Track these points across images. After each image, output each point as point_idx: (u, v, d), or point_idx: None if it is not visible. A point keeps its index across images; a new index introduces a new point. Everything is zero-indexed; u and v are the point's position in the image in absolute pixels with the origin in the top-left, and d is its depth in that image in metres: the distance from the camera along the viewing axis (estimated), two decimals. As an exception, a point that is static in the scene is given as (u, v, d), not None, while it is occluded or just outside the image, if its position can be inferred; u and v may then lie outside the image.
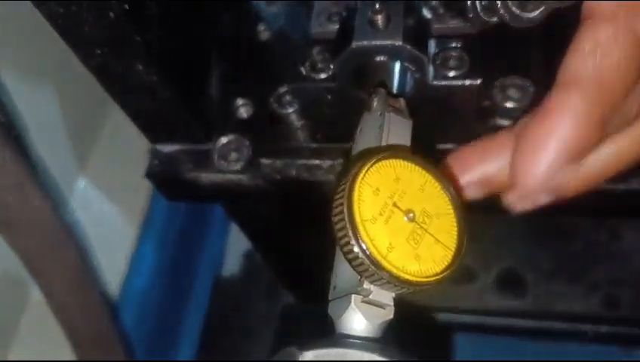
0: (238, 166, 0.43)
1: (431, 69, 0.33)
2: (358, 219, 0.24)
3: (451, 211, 0.27)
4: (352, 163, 0.26)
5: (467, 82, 0.32)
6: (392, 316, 0.26)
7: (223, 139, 0.43)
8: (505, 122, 0.38)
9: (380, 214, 0.25)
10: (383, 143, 0.28)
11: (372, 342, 0.24)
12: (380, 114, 0.30)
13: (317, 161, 0.41)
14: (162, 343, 0.77)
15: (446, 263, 0.25)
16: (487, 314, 0.62)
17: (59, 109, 0.61)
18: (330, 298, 0.27)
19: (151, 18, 0.35)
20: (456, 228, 0.26)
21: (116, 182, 0.73)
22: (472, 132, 0.38)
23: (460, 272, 0.60)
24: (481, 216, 0.34)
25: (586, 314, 0.60)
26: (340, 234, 0.24)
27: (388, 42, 0.30)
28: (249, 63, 0.47)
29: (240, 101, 0.45)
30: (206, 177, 0.44)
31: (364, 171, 0.25)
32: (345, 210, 0.24)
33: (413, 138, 0.34)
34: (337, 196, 0.25)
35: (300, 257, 0.61)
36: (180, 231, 0.83)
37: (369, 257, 0.24)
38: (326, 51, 0.35)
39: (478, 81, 0.32)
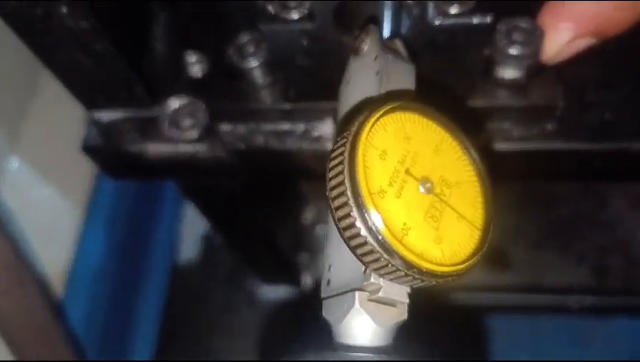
0: (193, 134, 0.36)
1: (431, 5, 0.26)
2: (365, 191, 0.18)
3: (474, 178, 0.21)
4: (345, 120, 0.20)
5: (475, 20, 0.26)
6: (405, 316, 0.20)
7: (174, 103, 0.36)
8: (509, 73, 0.32)
9: (390, 185, 0.19)
10: (383, 89, 0.22)
11: (380, 353, 0.19)
12: (375, 57, 0.23)
13: (288, 126, 0.35)
14: (116, 338, 0.69)
15: (473, 245, 0.20)
16: (472, 291, 0.57)
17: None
18: (323, 295, 0.21)
19: None
20: (481, 200, 0.21)
21: (54, 160, 0.65)
22: (472, 86, 0.32)
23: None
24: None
25: (575, 285, 0.56)
26: (340, 213, 0.18)
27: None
28: (202, 8, 0.39)
29: (192, 56, 0.38)
30: (154, 149, 0.37)
31: (367, 127, 0.19)
32: (346, 182, 0.18)
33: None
34: (334, 163, 0.19)
35: (267, 237, 0.55)
36: (129, 213, 0.75)
37: (381, 242, 0.17)
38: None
39: (488, 19, 0.26)
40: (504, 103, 0.33)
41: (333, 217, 0.18)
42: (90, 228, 0.70)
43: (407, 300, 0.20)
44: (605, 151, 0.33)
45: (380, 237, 0.17)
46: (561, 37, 0.30)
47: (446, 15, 0.26)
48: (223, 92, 0.36)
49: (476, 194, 0.21)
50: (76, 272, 0.67)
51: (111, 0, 0.32)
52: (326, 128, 0.33)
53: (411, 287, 0.19)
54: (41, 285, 0.56)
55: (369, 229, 0.17)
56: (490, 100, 0.33)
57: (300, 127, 0.34)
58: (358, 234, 0.18)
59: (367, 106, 0.20)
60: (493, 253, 0.52)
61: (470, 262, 0.19)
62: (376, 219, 0.17)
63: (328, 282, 0.21)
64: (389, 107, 0.19)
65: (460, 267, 0.19)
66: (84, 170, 0.67)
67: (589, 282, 0.56)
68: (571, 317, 0.60)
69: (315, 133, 0.34)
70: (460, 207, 0.20)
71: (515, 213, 0.58)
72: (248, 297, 0.64)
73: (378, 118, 0.19)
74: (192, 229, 0.73)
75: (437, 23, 0.26)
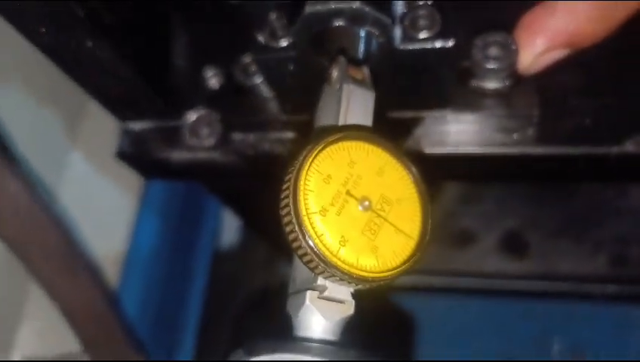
0: (210, 142, 0.40)
1: (398, 31, 0.29)
2: (303, 212, 0.22)
3: (415, 195, 0.24)
4: (303, 147, 0.24)
5: (438, 44, 0.29)
6: (352, 311, 0.24)
7: (193, 115, 0.41)
8: (488, 84, 0.34)
9: (332, 205, 0.23)
10: (341, 119, 0.26)
11: (327, 344, 0.23)
12: (339, 87, 0.27)
13: (290, 134, 0.39)
14: (166, 320, 0.77)
15: (407, 254, 0.23)
16: (489, 277, 0.60)
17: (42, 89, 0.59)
18: (289, 291, 0.25)
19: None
20: (420, 214, 0.24)
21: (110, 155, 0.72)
22: (450, 96, 0.35)
23: (459, 235, 0.58)
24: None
25: (592, 273, 0.57)
26: (287, 229, 0.22)
27: (344, 5, 0.27)
28: (217, 26, 0.44)
29: (210, 71, 0.42)
30: (177, 155, 0.42)
31: (311, 158, 0.23)
32: (290, 203, 0.22)
33: (386, 106, 0.32)
34: (284, 187, 0.23)
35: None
36: (179, 202, 0.82)
37: (317, 254, 0.21)
38: (285, 10, 0.32)
39: (450, 43, 0.29)
40: (484, 111, 0.35)
41: (284, 232, 0.22)
42: (144, 217, 0.77)
43: (350, 298, 0.23)
44: (584, 155, 0.35)
45: (316, 250, 0.21)
46: (534, 49, 0.32)
47: (413, 40, 0.29)
48: (235, 104, 0.40)
49: (415, 208, 0.24)
50: (131, 258, 0.74)
51: (131, 31, 0.37)
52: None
53: (353, 288, 0.23)
54: (95, 271, 0.63)
55: (307, 244, 0.21)
56: (469, 108, 0.35)
57: (300, 135, 0.38)
58: (300, 247, 0.22)
59: (319, 136, 0.24)
60: (509, 240, 0.54)
61: (401, 268, 0.23)
62: (314, 236, 0.21)
63: (293, 280, 0.25)
64: (332, 138, 0.23)
65: (392, 272, 0.23)
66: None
67: (606, 270, 0.57)
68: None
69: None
70: (398, 222, 0.23)
71: (533, 202, 0.60)
72: (282, 280, 0.69)
73: (322, 149, 0.23)
74: (232, 218, 0.79)
75: (402, 47, 0.29)
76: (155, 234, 0.78)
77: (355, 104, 0.26)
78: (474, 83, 0.35)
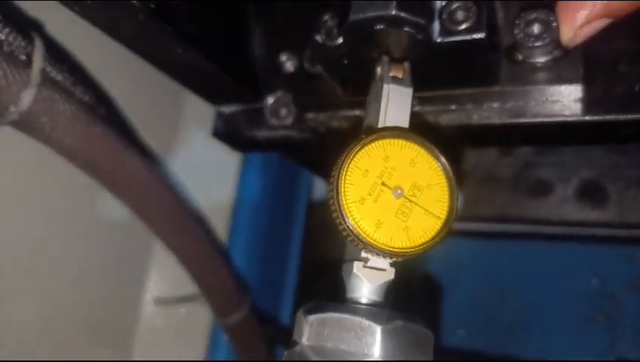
0: (287, 121, 0.46)
1: (437, 26, 0.33)
2: (344, 202, 0.27)
3: (443, 180, 0.29)
4: (349, 146, 0.29)
5: (470, 37, 0.32)
6: (392, 277, 0.29)
7: (272, 98, 0.47)
8: (535, 59, 0.37)
9: (370, 194, 0.28)
10: (381, 115, 0.30)
11: (372, 306, 0.28)
12: (381, 85, 0.31)
13: (356, 112, 0.43)
14: (272, 263, 0.86)
15: (435, 231, 0.28)
16: (566, 225, 0.61)
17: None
18: (344, 259, 0.31)
19: (179, 6, 0.38)
20: (447, 197, 0.28)
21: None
22: (501, 73, 0.38)
23: (536, 186, 0.60)
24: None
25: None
26: (333, 215, 0.28)
27: (381, 12, 0.31)
28: (289, 13, 0.49)
29: (284, 56, 0.47)
30: (261, 133, 0.48)
31: (351, 156, 0.28)
32: (334, 196, 0.27)
33: (431, 87, 0.36)
34: (330, 181, 0.28)
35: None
36: (278, 159, 0.89)
37: (356, 236, 0.27)
38: (339, 13, 0.36)
39: (482, 35, 0.32)
40: (535, 83, 0.37)
41: (333, 217, 0.28)
42: (247, 175, 0.85)
43: (390, 267, 0.29)
44: (633, 120, 0.36)
45: (355, 232, 0.27)
46: (574, 23, 0.34)
47: (450, 33, 0.32)
48: (307, 87, 0.46)
49: (443, 192, 0.28)
50: (238, 211, 0.84)
51: (212, 35, 0.43)
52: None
53: (390, 260, 0.29)
54: (205, 225, 0.73)
55: (348, 227, 0.27)
56: (521, 82, 0.38)
57: (360, 114, 0.43)
58: (343, 229, 0.27)
59: (360, 136, 0.29)
60: (587, 189, 0.56)
61: (431, 243, 0.28)
62: (352, 221, 0.27)
63: (347, 251, 0.31)
64: (370, 138, 0.28)
65: (422, 247, 0.28)
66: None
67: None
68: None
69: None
70: (427, 205, 0.28)
71: (615, 153, 0.60)
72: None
73: (362, 147, 0.28)
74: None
75: (441, 40, 0.33)
76: (257, 189, 0.86)
77: (394, 101, 0.30)
78: (521, 58, 0.37)
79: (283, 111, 0.47)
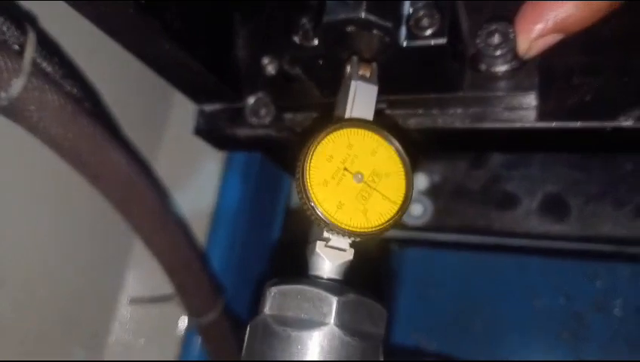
0: (266, 120, 0.49)
1: (403, 30, 0.36)
2: (309, 184, 0.29)
3: (401, 169, 0.31)
4: (315, 133, 0.31)
5: (432, 42, 0.35)
6: (351, 257, 0.32)
7: (252, 98, 0.49)
8: (495, 68, 0.40)
9: (333, 178, 0.30)
10: (348, 109, 0.33)
11: (330, 281, 0.31)
12: (350, 83, 0.34)
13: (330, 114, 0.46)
14: (248, 269, 0.88)
15: (390, 215, 0.30)
16: (530, 238, 0.64)
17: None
18: (308, 240, 0.34)
19: (169, 2, 0.41)
20: (404, 184, 0.31)
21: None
22: (464, 79, 0.41)
23: (503, 199, 0.63)
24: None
25: (630, 236, 0.60)
26: (299, 195, 0.30)
27: (352, 15, 0.34)
28: (272, 20, 0.51)
29: (266, 59, 0.50)
30: (241, 132, 0.51)
31: (317, 142, 0.30)
32: (300, 177, 0.30)
33: (400, 91, 0.38)
34: (298, 163, 0.30)
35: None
36: (258, 165, 0.92)
37: (319, 215, 0.29)
38: (315, 16, 0.38)
39: (443, 41, 0.35)
40: (493, 92, 0.40)
41: (299, 198, 0.30)
42: (228, 180, 0.87)
43: (349, 247, 0.31)
44: (582, 129, 0.39)
45: (318, 211, 0.29)
46: (529, 35, 0.37)
47: (415, 37, 0.35)
48: (285, 89, 0.48)
49: (400, 180, 0.31)
50: (217, 215, 0.85)
51: (199, 35, 0.45)
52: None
53: (350, 240, 0.31)
54: (185, 227, 0.75)
55: (311, 207, 0.29)
56: (481, 89, 0.41)
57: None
58: (307, 209, 0.30)
59: (327, 125, 0.31)
60: (552, 204, 0.59)
61: (386, 225, 0.30)
62: (316, 201, 0.29)
63: (310, 232, 0.33)
64: (336, 126, 0.31)
65: (378, 228, 0.30)
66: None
67: (646, 233, 0.60)
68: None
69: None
70: (385, 190, 0.31)
71: (577, 169, 0.63)
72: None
73: (327, 134, 0.30)
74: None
75: (407, 45, 0.35)
76: (237, 195, 0.88)
77: (360, 96, 0.33)
78: (483, 67, 0.40)
79: (262, 111, 0.49)
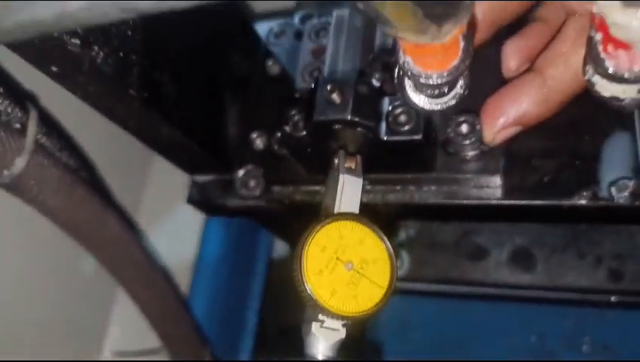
0: (256, 192, 0.53)
1: (383, 126, 0.40)
2: (306, 274, 0.34)
3: (386, 256, 0.36)
4: (311, 223, 0.35)
5: (409, 138, 0.40)
6: (343, 336, 0.36)
7: (242, 171, 0.53)
8: (464, 152, 0.45)
9: (326, 267, 0.34)
10: (337, 200, 0.37)
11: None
12: (337, 174, 0.38)
13: (316, 187, 0.50)
14: (230, 319, 0.90)
15: (379, 298, 0.35)
16: (500, 287, 0.69)
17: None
18: (304, 319, 0.37)
19: (169, 95, 0.45)
20: (389, 270, 0.35)
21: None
22: (436, 162, 0.46)
23: (474, 250, 0.68)
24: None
25: (593, 286, 0.66)
26: (296, 283, 0.34)
27: (340, 117, 0.38)
28: (260, 98, 0.56)
29: (255, 134, 0.55)
30: (231, 202, 0.55)
31: (312, 235, 0.34)
32: (298, 268, 0.34)
33: (380, 171, 0.43)
34: (295, 254, 0.34)
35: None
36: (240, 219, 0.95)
37: (315, 302, 0.33)
38: (304, 110, 0.43)
39: (419, 136, 0.40)
40: (463, 174, 0.46)
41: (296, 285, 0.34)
42: (209, 232, 0.91)
43: (342, 328, 0.35)
44: (542, 206, 0.44)
45: (314, 298, 0.33)
46: (493, 128, 0.42)
47: (394, 133, 0.40)
48: (274, 164, 0.52)
49: (385, 266, 0.35)
50: (199, 266, 0.88)
51: (194, 116, 0.49)
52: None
53: (342, 322, 0.35)
54: (170, 280, 0.77)
55: (308, 295, 0.33)
56: (452, 170, 0.46)
57: (319, 189, 0.50)
58: (305, 296, 0.34)
59: (319, 218, 0.35)
60: (519, 256, 0.64)
61: (375, 308, 0.34)
62: (312, 290, 0.33)
63: (306, 312, 0.37)
64: (327, 221, 0.35)
65: (367, 312, 0.34)
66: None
67: (606, 283, 0.65)
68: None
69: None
70: (373, 276, 0.35)
71: (541, 224, 0.69)
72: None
73: (321, 228, 0.35)
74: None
75: (387, 139, 0.40)
76: (219, 246, 0.91)
77: (347, 189, 0.38)
78: (454, 151, 0.45)
79: (252, 183, 0.53)
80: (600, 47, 0.25)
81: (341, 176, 0.38)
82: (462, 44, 0.25)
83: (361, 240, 0.36)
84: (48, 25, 0.25)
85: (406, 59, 0.26)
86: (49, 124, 0.57)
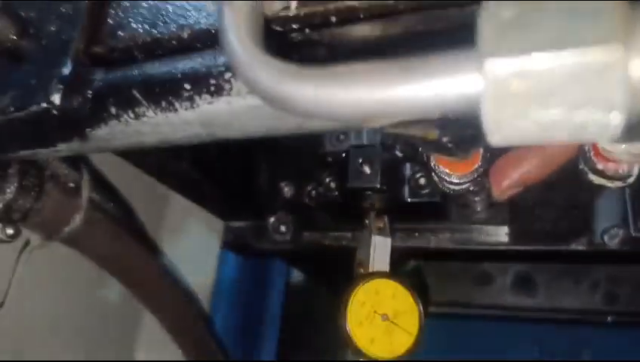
0: (287, 237, 0.60)
1: (407, 189, 0.47)
2: (348, 326, 0.40)
3: (414, 307, 0.43)
4: (352, 282, 0.42)
5: (429, 200, 0.47)
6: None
7: (273, 218, 0.60)
8: (474, 207, 0.52)
9: (366, 318, 0.41)
10: (371, 259, 0.44)
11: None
12: (369, 234, 0.45)
13: (341, 234, 0.57)
14: (248, 338, 0.97)
15: (410, 344, 0.42)
16: (504, 310, 0.77)
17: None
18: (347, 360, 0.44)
19: (213, 162, 0.52)
20: (417, 319, 0.42)
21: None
22: (449, 215, 0.53)
23: (480, 277, 0.75)
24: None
25: (589, 308, 0.73)
26: (342, 334, 0.41)
27: (370, 185, 0.45)
28: (287, 151, 0.63)
29: (283, 183, 0.61)
30: (265, 246, 0.61)
31: (354, 293, 0.41)
32: (343, 321, 0.41)
33: (402, 221, 0.50)
34: (340, 309, 0.41)
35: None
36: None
37: (358, 349, 0.40)
38: (335, 173, 0.50)
39: (437, 199, 0.47)
40: (474, 224, 0.53)
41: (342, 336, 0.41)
42: (226, 256, 0.97)
43: (381, 367, 0.42)
44: (543, 251, 0.51)
45: (356, 346, 0.40)
46: (500, 187, 0.49)
47: (415, 195, 0.47)
48: (304, 211, 0.59)
49: (414, 316, 0.42)
50: (218, 287, 0.95)
51: (232, 174, 0.56)
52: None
53: (379, 364, 0.42)
54: (195, 302, 0.84)
55: (352, 342, 0.40)
56: (467, 220, 0.53)
57: (348, 234, 0.57)
58: (349, 344, 0.41)
59: (358, 278, 0.42)
60: (520, 280, 0.71)
61: (407, 353, 0.41)
62: (354, 340, 0.40)
63: (347, 353, 0.44)
64: (366, 280, 0.42)
65: (401, 356, 0.41)
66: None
67: (602, 305, 0.73)
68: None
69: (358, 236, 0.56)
70: (405, 325, 0.42)
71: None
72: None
73: (361, 286, 0.42)
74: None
75: (410, 200, 0.47)
76: (235, 269, 0.98)
77: (379, 248, 0.45)
78: (467, 205, 0.52)
79: (283, 228, 0.60)
80: (592, 152, 0.32)
81: (373, 237, 0.45)
82: (481, 152, 0.32)
83: (393, 294, 0.42)
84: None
85: (435, 163, 0.33)
86: (97, 178, 0.64)
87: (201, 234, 0.97)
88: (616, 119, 0.15)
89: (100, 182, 0.63)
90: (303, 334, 0.95)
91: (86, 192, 0.59)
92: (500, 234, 0.53)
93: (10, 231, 0.52)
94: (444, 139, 0.27)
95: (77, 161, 0.59)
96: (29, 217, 0.52)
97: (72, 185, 0.59)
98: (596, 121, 0.15)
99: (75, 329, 0.74)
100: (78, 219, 0.57)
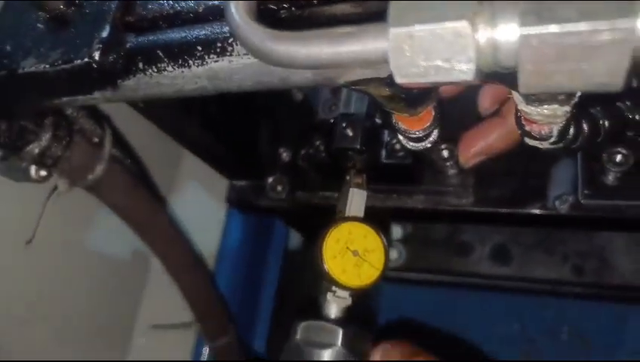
0: (282, 196, 0.69)
1: (383, 152, 0.57)
2: (325, 258, 0.50)
3: (382, 247, 0.52)
4: (329, 225, 0.52)
5: (402, 162, 0.56)
6: (350, 303, 0.52)
7: (271, 178, 0.70)
8: (446, 170, 0.61)
9: (340, 253, 0.51)
10: (347, 207, 0.54)
11: (336, 320, 0.51)
12: (349, 187, 0.55)
13: (328, 193, 0.67)
14: (250, 300, 1.07)
15: (376, 277, 0.51)
16: (482, 278, 0.86)
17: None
18: (320, 292, 0.54)
19: (219, 120, 0.61)
20: (383, 256, 0.52)
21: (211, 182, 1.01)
22: (426, 177, 0.62)
23: (460, 247, 0.85)
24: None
25: (559, 278, 0.82)
26: (317, 265, 0.51)
27: (351, 145, 0.55)
28: (286, 120, 0.73)
29: (282, 149, 0.71)
30: (263, 203, 0.71)
31: (330, 232, 0.51)
32: (319, 254, 0.50)
33: (381, 182, 0.60)
34: (317, 244, 0.51)
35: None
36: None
37: (330, 277, 0.50)
38: (324, 137, 0.60)
39: (409, 161, 0.56)
40: (445, 187, 0.62)
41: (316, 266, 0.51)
42: (230, 223, 1.07)
43: (349, 297, 0.52)
44: (502, 213, 0.60)
45: (330, 275, 0.50)
46: (467, 155, 0.58)
47: (391, 157, 0.57)
48: (298, 173, 0.69)
49: (381, 254, 0.52)
50: (222, 253, 1.05)
51: (241, 137, 0.66)
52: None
53: (348, 293, 0.52)
54: (204, 265, 0.94)
55: (325, 272, 0.50)
56: (436, 183, 0.62)
57: (335, 194, 0.66)
58: (323, 274, 0.50)
59: (335, 220, 0.52)
60: (497, 250, 0.81)
61: (371, 284, 0.51)
62: (329, 269, 0.50)
63: (321, 286, 0.54)
64: (340, 222, 0.51)
65: (367, 286, 0.51)
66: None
67: (570, 277, 0.82)
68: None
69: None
70: (372, 261, 0.51)
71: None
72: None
73: (336, 226, 0.51)
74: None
75: (386, 161, 0.57)
76: (238, 236, 1.08)
77: (356, 199, 0.54)
78: (438, 170, 0.61)
79: (279, 188, 0.70)
80: (522, 118, 0.41)
81: (351, 189, 0.54)
82: (432, 113, 0.41)
83: (365, 235, 0.52)
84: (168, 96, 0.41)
85: (396, 120, 0.42)
86: (117, 137, 0.74)
87: (208, 196, 1.07)
88: (470, 68, 0.25)
89: (119, 141, 0.74)
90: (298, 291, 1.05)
91: (108, 147, 0.69)
92: (467, 197, 0.62)
93: (43, 173, 0.62)
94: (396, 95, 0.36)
95: (101, 120, 0.70)
96: (59, 163, 0.61)
97: (96, 139, 0.69)
98: (458, 69, 0.25)
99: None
100: (99, 170, 0.67)
